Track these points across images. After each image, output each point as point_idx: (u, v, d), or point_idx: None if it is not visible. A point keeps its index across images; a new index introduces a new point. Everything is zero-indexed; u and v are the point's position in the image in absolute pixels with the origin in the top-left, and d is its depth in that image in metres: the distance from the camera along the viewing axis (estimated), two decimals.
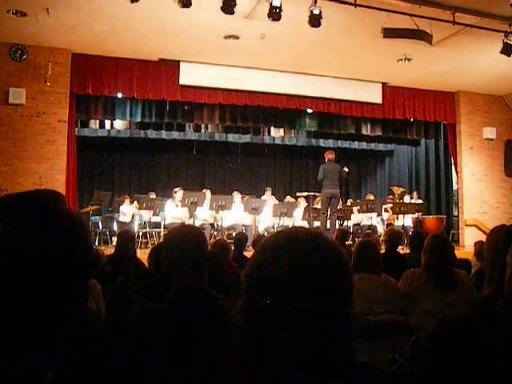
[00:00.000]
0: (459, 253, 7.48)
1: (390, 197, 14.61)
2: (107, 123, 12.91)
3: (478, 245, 6.80)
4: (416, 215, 12.55)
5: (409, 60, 10.64)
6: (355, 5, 7.75)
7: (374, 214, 13.04)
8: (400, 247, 10.19)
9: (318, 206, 11.66)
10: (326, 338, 0.91)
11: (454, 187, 14.44)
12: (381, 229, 12.86)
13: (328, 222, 10.96)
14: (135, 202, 12.35)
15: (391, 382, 1.42)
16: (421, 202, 13.72)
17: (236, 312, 0.97)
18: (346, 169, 11.40)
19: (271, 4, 7.58)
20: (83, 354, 1.66)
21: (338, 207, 11.42)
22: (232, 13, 7.56)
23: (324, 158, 11.22)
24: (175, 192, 11.25)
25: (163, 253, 2.02)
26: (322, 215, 11.00)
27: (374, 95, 12.56)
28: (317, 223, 11.48)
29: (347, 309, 0.95)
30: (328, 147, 14.39)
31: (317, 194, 11.75)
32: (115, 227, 11.94)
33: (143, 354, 1.74)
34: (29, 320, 0.82)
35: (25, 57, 9.75)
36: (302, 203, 12.70)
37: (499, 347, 1.12)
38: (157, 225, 11.91)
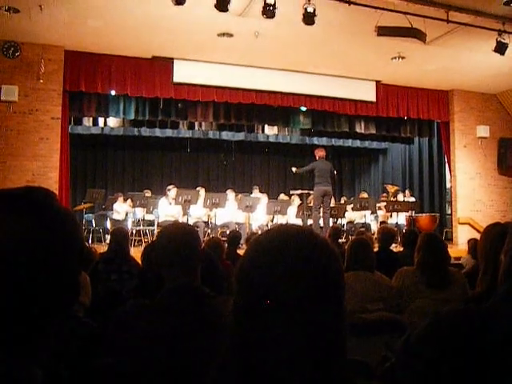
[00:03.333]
0: (452, 251, 7.50)
1: (384, 195, 14.63)
2: (101, 120, 12.89)
3: (472, 242, 6.83)
4: (409, 213, 12.59)
5: (403, 58, 10.65)
6: (349, 2, 7.75)
7: (368, 212, 13.06)
8: (393, 245, 10.20)
9: (312, 204, 11.68)
10: (319, 337, 0.90)
11: (448, 185, 14.48)
12: (375, 227, 12.87)
13: (321, 219, 10.99)
14: (129, 200, 12.32)
15: (384, 379, 1.41)
16: (413, 200, 13.77)
17: (229, 310, 0.97)
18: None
19: (265, 2, 7.56)
20: (74, 352, 1.65)
21: (331, 205, 11.46)
22: (226, 10, 7.54)
23: (315, 156, 11.29)
24: (169, 190, 11.23)
25: (156, 250, 2.01)
26: (314, 212, 11.02)
27: (367, 93, 12.57)
28: (311, 221, 11.50)
29: (339, 306, 0.94)
30: (322, 145, 14.42)
31: (310, 191, 11.78)
32: (109, 225, 11.90)
33: (134, 351, 1.73)
34: (17, 316, 0.81)
35: (17, 54, 9.69)
36: (296, 201, 12.71)
37: (492, 344, 1.12)
38: (150, 223, 11.88)
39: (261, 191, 13.85)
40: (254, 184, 14.89)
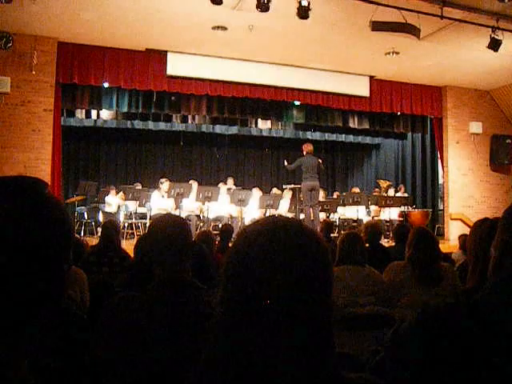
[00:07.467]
0: (444, 246, 7.56)
1: (377, 190, 14.67)
2: (93, 113, 12.82)
3: (463, 238, 6.86)
4: (402, 208, 12.63)
5: (396, 54, 10.65)
6: None
7: (361, 207, 13.08)
8: (385, 240, 10.22)
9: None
10: (307, 329, 0.90)
11: (440, 181, 14.52)
12: None
13: (311, 214, 11.04)
14: (121, 193, 12.30)
15: (374, 373, 1.42)
16: (407, 195, 13.83)
17: (216, 302, 0.96)
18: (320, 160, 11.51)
19: None
20: (62, 343, 1.65)
21: (320, 199, 11.52)
22: (220, 3, 7.52)
23: (302, 151, 11.31)
24: (161, 183, 11.21)
25: (146, 242, 2.01)
26: (304, 207, 11.10)
27: (361, 88, 12.57)
28: (303, 215, 11.53)
29: (327, 297, 0.94)
30: (315, 139, 14.46)
31: None
32: (101, 218, 11.88)
33: (124, 342, 1.73)
34: (2, 303, 0.81)
35: (10, 45, 9.60)
36: (288, 195, 12.72)
37: (480, 335, 1.12)
38: (143, 216, 11.87)
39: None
40: (248, 178, 14.87)
